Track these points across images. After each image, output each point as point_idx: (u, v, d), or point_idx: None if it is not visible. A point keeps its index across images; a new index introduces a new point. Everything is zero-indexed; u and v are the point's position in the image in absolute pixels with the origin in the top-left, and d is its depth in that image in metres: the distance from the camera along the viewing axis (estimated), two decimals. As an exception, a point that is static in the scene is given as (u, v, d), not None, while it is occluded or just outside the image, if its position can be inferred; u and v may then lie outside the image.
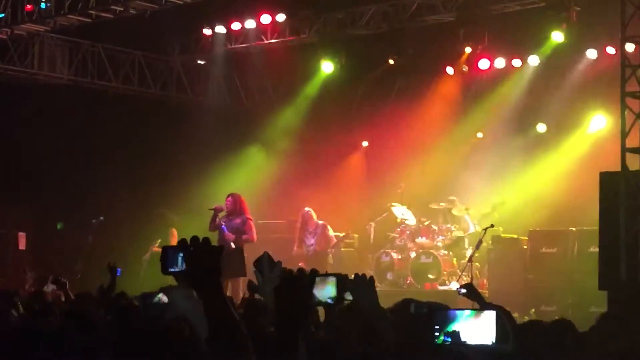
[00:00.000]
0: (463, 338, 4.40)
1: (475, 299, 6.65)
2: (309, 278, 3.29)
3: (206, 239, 3.31)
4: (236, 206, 15.56)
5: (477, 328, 4.45)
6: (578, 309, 14.63)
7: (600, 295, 12.02)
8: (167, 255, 3.51)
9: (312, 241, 17.80)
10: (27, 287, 15.40)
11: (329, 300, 3.66)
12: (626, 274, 11.67)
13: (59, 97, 18.56)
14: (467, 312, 4.58)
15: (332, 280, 3.64)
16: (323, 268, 15.28)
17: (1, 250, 18.39)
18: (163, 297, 7.24)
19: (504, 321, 4.67)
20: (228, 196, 15.77)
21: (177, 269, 3.47)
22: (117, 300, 7.92)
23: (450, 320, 4.50)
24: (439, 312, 4.60)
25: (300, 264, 15.19)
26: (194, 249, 3.31)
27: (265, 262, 3.48)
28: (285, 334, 3.27)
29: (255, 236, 15.56)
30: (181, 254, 3.38)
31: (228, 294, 13.51)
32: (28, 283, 16.07)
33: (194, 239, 3.32)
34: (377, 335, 4.28)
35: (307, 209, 17.94)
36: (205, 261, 3.30)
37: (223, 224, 15.32)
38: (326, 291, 3.64)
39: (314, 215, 17.87)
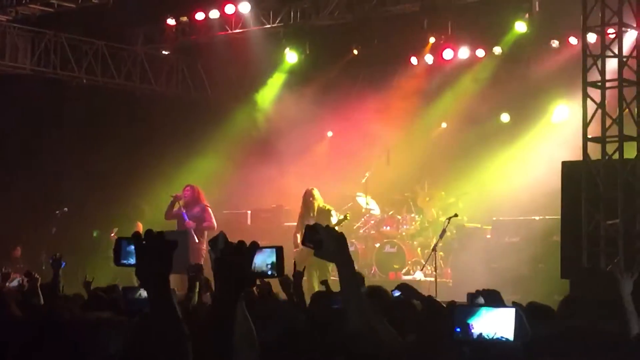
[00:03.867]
0: (483, 333, 4.44)
1: (413, 298, 6.64)
2: (249, 249, 3.30)
3: (160, 233, 3.27)
4: (194, 196, 15.76)
5: (496, 324, 4.49)
6: (541, 298, 14.69)
7: (563, 283, 12.11)
8: (121, 247, 3.49)
9: None
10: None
11: (269, 272, 3.68)
12: (588, 262, 11.78)
13: (21, 88, 18.42)
14: (487, 308, 4.62)
15: (271, 251, 3.67)
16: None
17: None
18: (143, 292, 7.24)
19: (522, 318, 4.72)
20: (186, 187, 15.89)
21: (128, 262, 3.46)
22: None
23: (469, 315, 4.53)
24: (459, 308, 4.64)
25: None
26: (146, 242, 3.27)
27: (220, 242, 3.48)
28: (224, 303, 3.26)
29: (214, 223, 15.70)
30: (132, 247, 3.34)
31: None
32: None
33: (149, 232, 3.28)
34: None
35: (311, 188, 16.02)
36: (155, 256, 3.25)
37: (184, 212, 15.45)
38: (266, 262, 3.66)
39: (318, 197, 15.86)
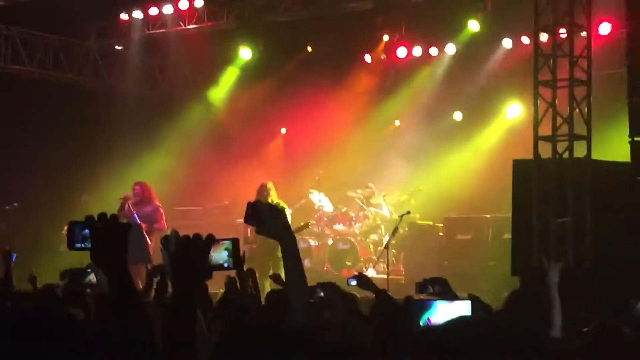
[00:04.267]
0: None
1: (368, 289, 6.68)
2: (205, 242, 3.30)
3: (114, 216, 3.26)
4: (144, 194, 15.36)
5: (452, 315, 4.52)
6: (492, 295, 14.80)
7: (513, 280, 12.20)
8: (74, 231, 3.47)
9: None
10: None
11: (225, 264, 3.68)
12: (537, 260, 11.87)
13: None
14: (442, 301, 4.64)
15: (226, 243, 3.67)
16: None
17: None
18: (92, 277, 7.20)
19: (478, 308, 4.74)
20: (135, 184, 15.52)
21: (82, 245, 3.44)
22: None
23: (425, 309, 4.55)
24: (415, 303, 4.66)
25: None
26: (100, 225, 3.26)
27: (172, 240, 3.47)
28: (182, 298, 3.25)
29: (165, 224, 15.46)
30: (87, 230, 3.32)
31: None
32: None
33: (102, 215, 3.27)
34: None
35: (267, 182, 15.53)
36: (111, 239, 3.24)
37: (134, 212, 15.13)
38: (222, 255, 3.67)
39: (273, 192, 15.41)
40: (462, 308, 4.58)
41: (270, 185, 15.31)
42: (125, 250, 3.25)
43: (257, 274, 7.73)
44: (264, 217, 4.10)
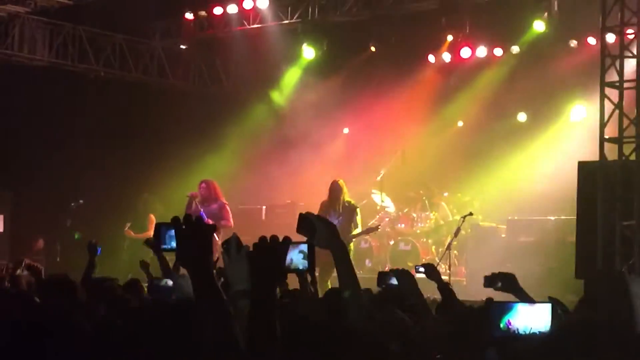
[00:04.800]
0: (520, 329, 4.45)
1: (434, 279, 6.67)
2: (282, 245, 3.31)
3: (199, 217, 3.31)
4: (210, 192, 15.46)
5: (532, 318, 4.49)
6: (556, 297, 14.69)
7: (577, 284, 12.07)
8: (160, 232, 3.50)
9: (335, 222, 14.94)
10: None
11: (301, 267, 3.71)
12: (602, 263, 11.74)
13: (38, 80, 18.46)
14: (523, 304, 4.63)
15: (303, 248, 3.69)
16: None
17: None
18: (169, 281, 7.29)
19: (558, 312, 4.72)
20: (201, 182, 15.64)
21: (169, 247, 3.47)
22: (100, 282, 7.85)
23: (506, 312, 4.53)
24: (495, 305, 4.65)
25: None
26: (185, 226, 3.29)
27: (233, 244, 3.49)
28: (259, 301, 3.26)
29: (232, 222, 15.53)
30: (173, 232, 3.35)
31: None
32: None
33: (187, 216, 3.31)
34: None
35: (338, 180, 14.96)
36: (196, 239, 3.27)
37: (202, 210, 15.22)
38: (297, 257, 3.69)
39: (345, 190, 14.84)
40: (543, 311, 4.53)
41: (342, 182, 14.79)
42: (210, 250, 3.29)
43: (316, 274, 7.74)
44: (315, 228, 4.23)
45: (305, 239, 3.85)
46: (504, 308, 4.55)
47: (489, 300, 4.70)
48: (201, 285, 3.26)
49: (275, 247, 3.31)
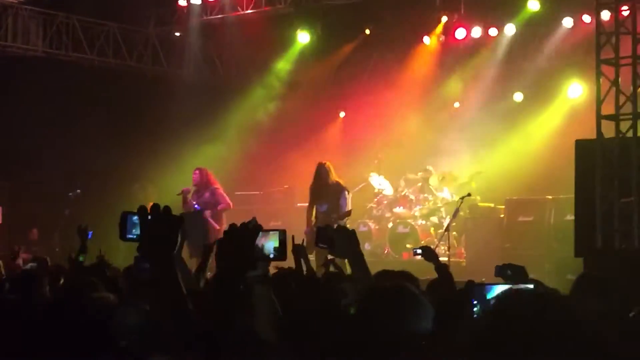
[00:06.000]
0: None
1: (432, 261, 6.74)
2: (252, 231, 3.26)
3: (167, 208, 3.20)
4: (203, 179, 15.42)
5: None
6: (555, 277, 14.69)
7: (576, 262, 12.07)
8: (126, 221, 3.45)
9: (324, 207, 14.21)
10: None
11: (271, 254, 3.72)
12: (602, 242, 11.73)
13: (33, 69, 18.41)
14: (503, 285, 4.65)
15: (274, 234, 3.70)
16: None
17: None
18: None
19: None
20: (195, 170, 15.62)
21: (133, 236, 3.40)
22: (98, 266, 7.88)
23: (486, 293, 4.55)
24: (475, 287, 4.67)
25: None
26: (151, 217, 3.19)
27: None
28: (226, 286, 3.21)
29: (229, 201, 15.47)
30: (137, 220, 3.28)
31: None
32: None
33: (154, 206, 3.20)
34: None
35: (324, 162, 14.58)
36: (160, 231, 3.17)
37: (195, 203, 15.15)
38: (269, 245, 3.70)
39: (333, 171, 14.45)
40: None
41: (328, 164, 14.48)
42: (175, 243, 3.20)
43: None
44: (334, 240, 4.62)
45: (279, 227, 3.90)
46: (484, 290, 4.57)
47: (470, 282, 4.71)
48: (160, 279, 3.18)
49: (243, 234, 3.25)
